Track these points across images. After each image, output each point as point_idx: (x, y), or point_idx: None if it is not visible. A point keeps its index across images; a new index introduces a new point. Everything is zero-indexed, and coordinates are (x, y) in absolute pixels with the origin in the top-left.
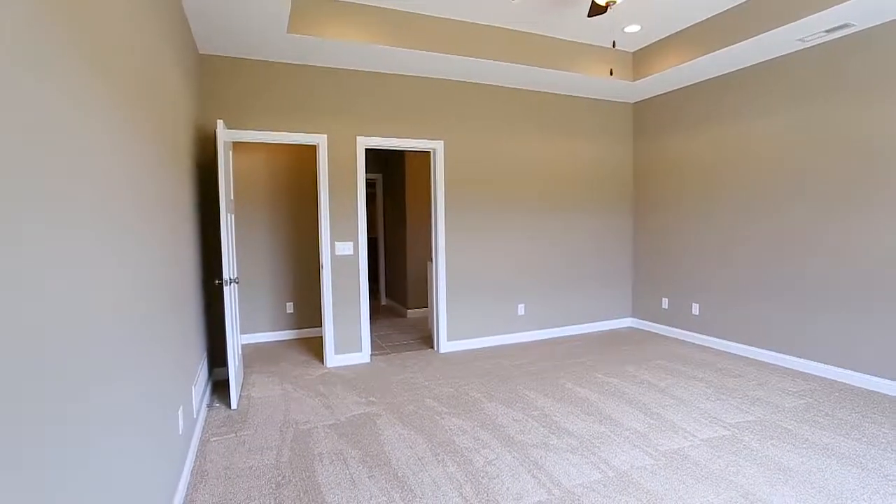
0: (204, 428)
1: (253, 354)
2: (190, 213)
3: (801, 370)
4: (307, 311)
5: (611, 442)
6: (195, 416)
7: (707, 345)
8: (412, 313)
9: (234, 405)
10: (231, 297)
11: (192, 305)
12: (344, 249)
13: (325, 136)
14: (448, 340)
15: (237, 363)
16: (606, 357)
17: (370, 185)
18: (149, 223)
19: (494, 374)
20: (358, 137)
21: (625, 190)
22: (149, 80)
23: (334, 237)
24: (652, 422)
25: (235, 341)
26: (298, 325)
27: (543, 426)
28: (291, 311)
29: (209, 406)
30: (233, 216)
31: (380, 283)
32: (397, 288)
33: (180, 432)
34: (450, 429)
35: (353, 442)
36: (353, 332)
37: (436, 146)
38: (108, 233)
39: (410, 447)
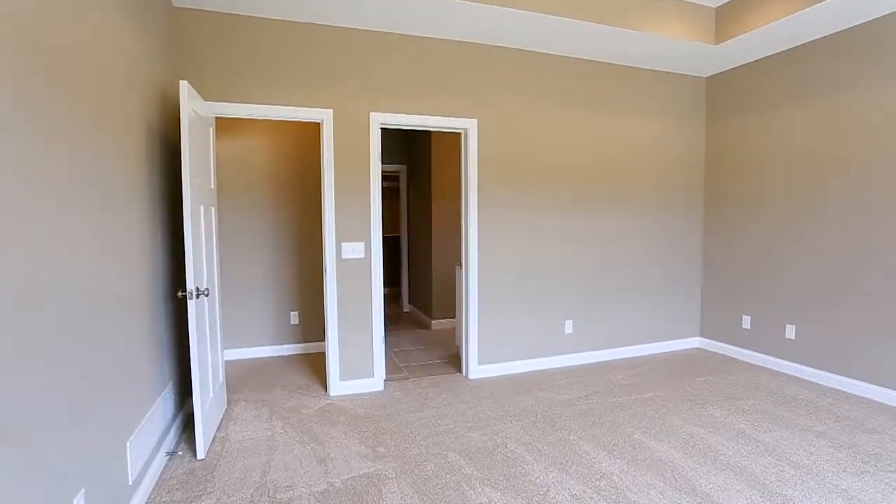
0: (154, 489)
1: (245, 375)
2: (151, 206)
3: None
4: (315, 322)
5: None
6: (132, 482)
7: (809, 378)
8: (437, 324)
9: (200, 453)
10: (200, 314)
11: (142, 325)
12: (353, 252)
13: (331, 110)
14: (480, 364)
15: (211, 396)
16: (679, 391)
17: (392, 177)
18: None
19: (538, 414)
20: (372, 114)
21: (694, 182)
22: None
23: (341, 237)
24: None
25: (207, 369)
26: (304, 338)
27: None
28: (296, 321)
29: (170, 454)
30: (214, 209)
31: (402, 288)
32: (421, 294)
33: None
34: None
35: None
36: (363, 354)
37: (468, 126)
38: None
39: None
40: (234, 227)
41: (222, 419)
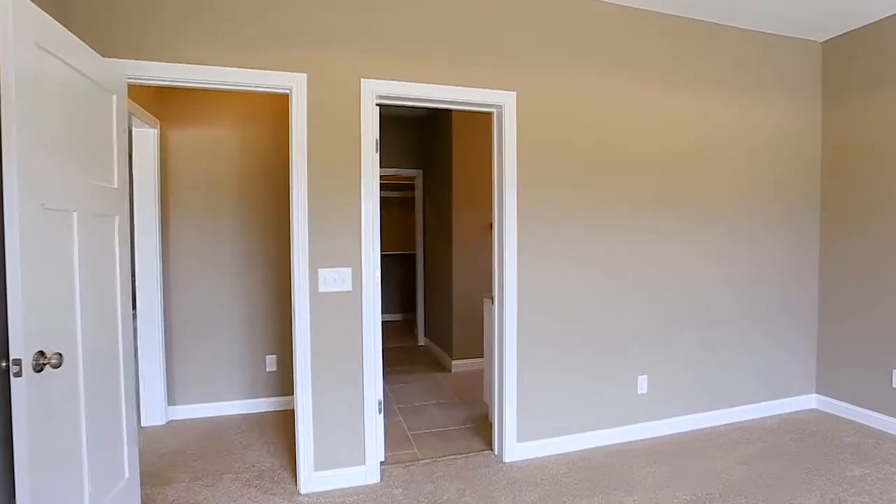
0: None
1: (193, 447)
2: None
3: None
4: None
5: None
6: None
7: None
8: (459, 366)
9: None
10: (46, 402)
11: None
12: (335, 282)
13: (304, 75)
14: (519, 440)
15: None
16: (836, 494)
17: (407, 185)
18: None
19: None
20: (364, 81)
21: (804, 184)
22: None
23: (317, 260)
24: None
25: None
26: (283, 390)
27: None
28: (273, 367)
29: None
30: (119, 219)
31: (417, 316)
32: (439, 327)
33: None
34: None
35: None
36: (349, 434)
37: (503, 101)
38: None
39: None
40: (192, 246)
41: None
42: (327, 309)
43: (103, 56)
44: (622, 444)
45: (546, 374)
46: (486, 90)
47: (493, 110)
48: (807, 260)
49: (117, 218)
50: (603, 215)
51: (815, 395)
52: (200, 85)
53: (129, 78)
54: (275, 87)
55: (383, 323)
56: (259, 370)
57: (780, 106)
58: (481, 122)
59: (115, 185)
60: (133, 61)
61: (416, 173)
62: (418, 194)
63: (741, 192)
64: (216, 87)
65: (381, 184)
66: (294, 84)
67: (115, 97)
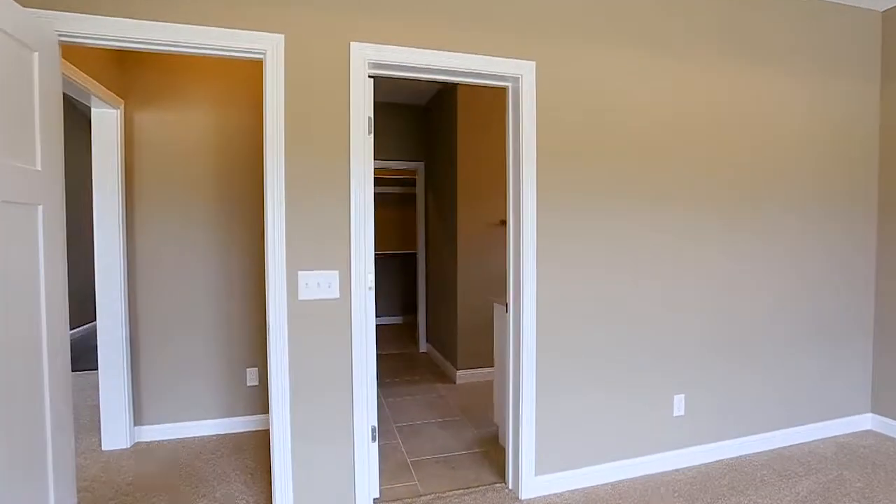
0: None
1: (161, 472)
2: None
3: None
4: None
5: None
6: None
7: None
8: (464, 377)
9: None
10: None
11: None
12: (319, 287)
13: (282, 36)
14: (539, 473)
15: None
16: None
17: (407, 180)
18: None
19: None
20: (354, 45)
21: (859, 175)
22: None
23: (296, 261)
24: None
25: None
26: (264, 408)
27: None
28: (255, 381)
29: None
30: (41, 210)
31: (418, 322)
32: (443, 333)
33: None
34: None
35: None
36: (336, 466)
37: (520, 72)
38: None
39: None
40: (162, 243)
41: None
42: (309, 320)
43: (25, 6)
44: (656, 475)
45: (569, 394)
46: (500, 59)
47: (508, 84)
48: (861, 265)
49: (41, 208)
50: (638, 215)
51: (869, 415)
52: (153, 47)
53: (63, 35)
54: (245, 51)
55: (382, 326)
56: (239, 385)
57: (830, 85)
58: (489, 108)
59: (38, 168)
60: (66, 14)
61: (417, 166)
62: (420, 189)
63: (788, 189)
64: (173, 49)
65: (379, 178)
66: (269, 47)
67: (36, 55)
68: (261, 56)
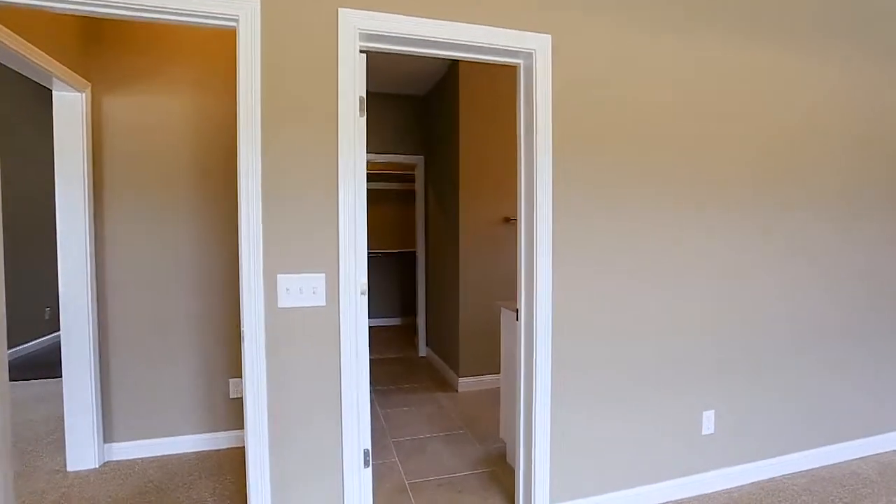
0: None
1: (130, 498)
2: None
3: None
4: None
5: None
6: None
7: None
8: (466, 384)
9: None
10: None
11: None
12: (301, 293)
13: (259, 2)
14: (554, 500)
15: None
16: None
17: (406, 176)
18: None
19: None
20: (343, 11)
21: None
22: None
23: (274, 262)
24: None
25: None
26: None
27: None
28: (237, 393)
29: None
30: None
31: (418, 324)
32: (444, 337)
33: None
34: None
35: None
36: (323, 497)
37: (534, 47)
38: None
39: None
40: (134, 241)
41: None
42: (291, 332)
43: None
44: (683, 500)
45: (588, 411)
46: (510, 31)
47: (520, 61)
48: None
49: None
50: (664, 216)
51: None
52: (109, 10)
53: None
54: (214, 17)
55: (378, 328)
56: (220, 397)
57: (871, 69)
58: (493, 96)
59: None
60: None
61: (416, 160)
62: (419, 184)
63: (830, 176)
64: (126, 14)
65: (376, 173)
66: (242, 13)
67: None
68: (233, 24)
